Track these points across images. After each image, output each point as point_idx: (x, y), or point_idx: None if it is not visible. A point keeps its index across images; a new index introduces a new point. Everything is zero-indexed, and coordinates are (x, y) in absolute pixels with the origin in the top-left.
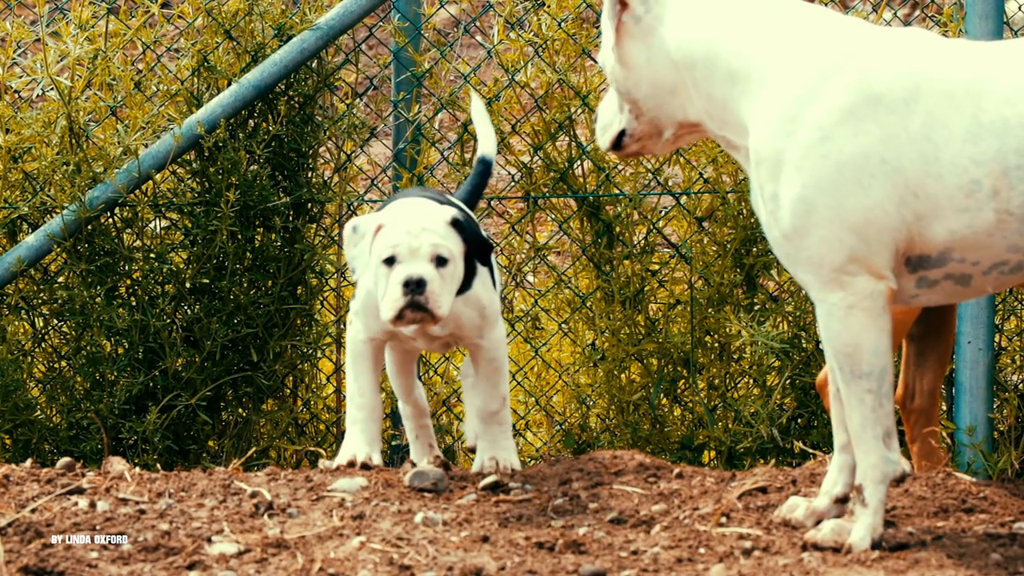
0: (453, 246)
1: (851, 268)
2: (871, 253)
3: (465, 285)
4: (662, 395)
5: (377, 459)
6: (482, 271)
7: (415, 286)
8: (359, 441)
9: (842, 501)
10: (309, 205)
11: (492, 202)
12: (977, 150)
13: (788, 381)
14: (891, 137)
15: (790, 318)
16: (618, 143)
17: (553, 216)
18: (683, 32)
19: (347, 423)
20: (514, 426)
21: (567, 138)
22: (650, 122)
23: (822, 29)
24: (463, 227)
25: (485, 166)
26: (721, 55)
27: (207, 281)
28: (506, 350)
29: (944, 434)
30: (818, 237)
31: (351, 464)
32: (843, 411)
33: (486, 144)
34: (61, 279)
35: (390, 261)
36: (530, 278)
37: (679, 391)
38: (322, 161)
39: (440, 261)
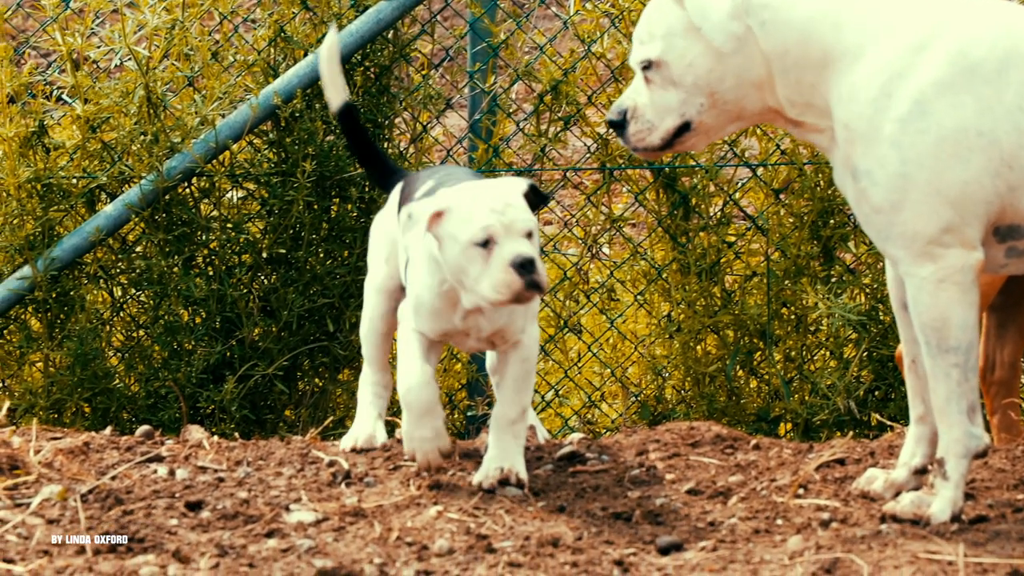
0: (533, 218)
1: (945, 240)
2: (964, 225)
3: None
4: (738, 367)
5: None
6: None
7: (529, 266)
8: (416, 428)
9: (920, 472)
10: None
11: (568, 173)
12: None
13: (865, 353)
14: (986, 109)
15: (867, 290)
16: (670, 142)
17: (629, 187)
18: (773, 19)
19: (403, 414)
20: (589, 397)
21: None
22: (722, 114)
23: (910, 1)
24: (541, 196)
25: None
26: (814, 37)
27: (284, 251)
28: (537, 353)
29: None
30: (914, 211)
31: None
32: (919, 382)
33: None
34: (139, 249)
35: (486, 243)
36: (606, 249)
37: (755, 363)
38: (398, 132)
39: (529, 235)
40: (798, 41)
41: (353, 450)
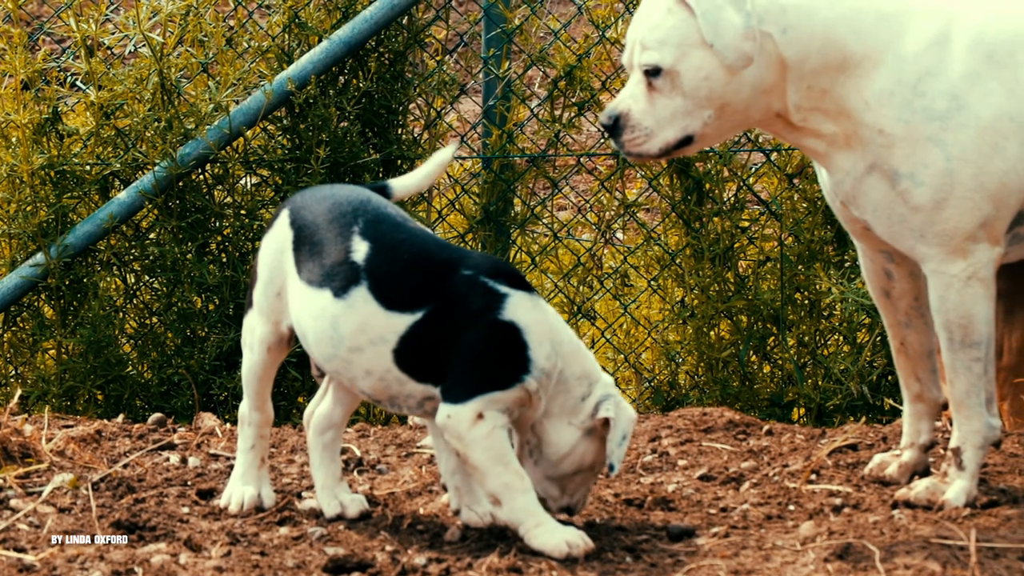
0: None
1: (979, 235)
2: (998, 218)
3: None
4: (751, 352)
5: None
6: None
7: None
8: (556, 527)
9: (929, 447)
10: (399, 162)
11: (582, 159)
12: None
13: (878, 338)
14: (1011, 93)
15: None
16: (668, 151)
17: (643, 173)
18: (795, 24)
19: (522, 513)
20: None
21: None
22: (726, 123)
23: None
24: None
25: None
26: (836, 43)
27: None
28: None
29: None
30: (958, 208)
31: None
32: (909, 363)
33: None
34: (152, 235)
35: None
36: (619, 235)
37: (768, 348)
38: (412, 118)
39: None
40: (820, 48)
41: (238, 515)
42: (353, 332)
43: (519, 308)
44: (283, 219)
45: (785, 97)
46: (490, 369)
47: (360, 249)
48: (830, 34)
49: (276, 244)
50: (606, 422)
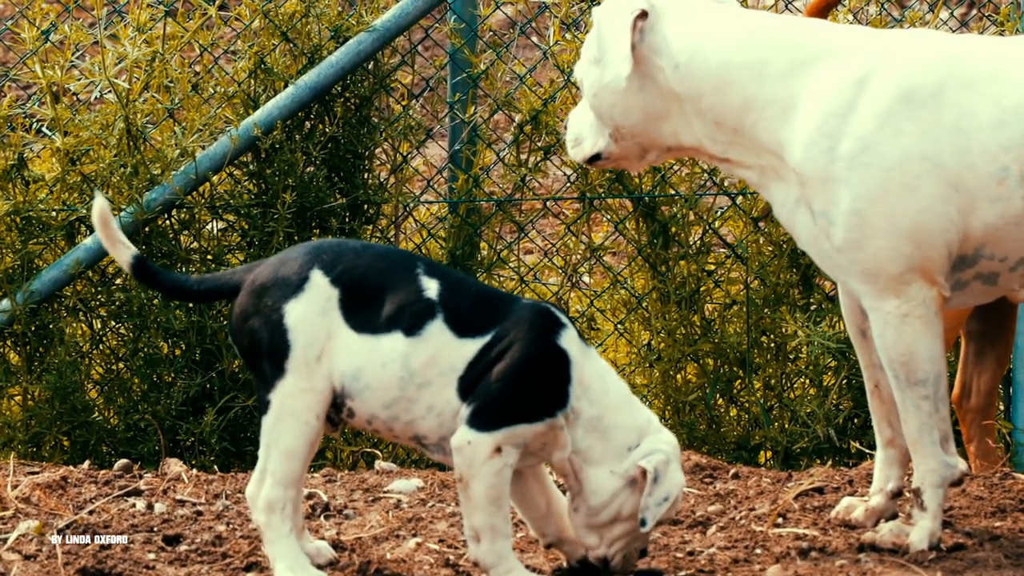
0: None
1: (908, 276)
2: (925, 259)
3: None
4: (718, 395)
5: None
6: None
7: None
8: (526, 574)
9: (897, 495)
10: (365, 206)
11: (548, 203)
12: (1004, 136)
13: (844, 381)
14: (927, 133)
15: None
16: (592, 159)
17: (609, 217)
18: (686, 62)
19: (497, 557)
20: None
21: None
22: (632, 146)
23: (831, 41)
24: None
25: None
26: (734, 86)
27: None
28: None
29: (1004, 432)
30: (874, 248)
31: None
32: (883, 407)
33: None
34: (119, 281)
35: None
36: (586, 279)
37: (735, 391)
38: (378, 162)
39: None
40: (714, 89)
41: None
42: (423, 365)
43: (574, 342)
44: (317, 280)
45: (693, 129)
46: (526, 394)
47: (431, 286)
48: (727, 77)
49: (313, 306)
50: (644, 473)
